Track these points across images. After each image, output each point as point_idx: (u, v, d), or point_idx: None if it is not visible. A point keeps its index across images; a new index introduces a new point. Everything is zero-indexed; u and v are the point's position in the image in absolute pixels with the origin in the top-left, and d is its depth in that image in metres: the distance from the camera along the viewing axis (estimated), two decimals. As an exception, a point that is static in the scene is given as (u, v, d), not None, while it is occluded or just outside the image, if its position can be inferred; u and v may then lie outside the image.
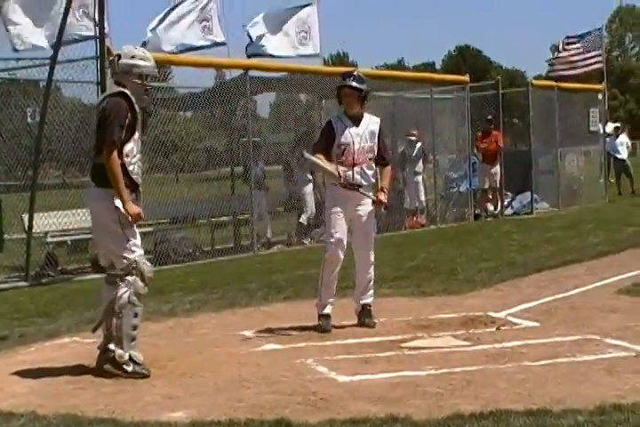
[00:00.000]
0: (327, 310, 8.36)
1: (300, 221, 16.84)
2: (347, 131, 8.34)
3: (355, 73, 8.67)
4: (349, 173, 8.28)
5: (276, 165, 18.44)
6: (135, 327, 6.88)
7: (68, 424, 5.45)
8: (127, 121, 6.82)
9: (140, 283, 6.81)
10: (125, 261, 6.78)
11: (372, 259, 8.47)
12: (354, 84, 8.38)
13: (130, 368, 6.74)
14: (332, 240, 8.31)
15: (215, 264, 14.16)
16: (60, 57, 13.03)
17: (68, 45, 13.44)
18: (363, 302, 8.45)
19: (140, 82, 6.99)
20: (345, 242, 8.34)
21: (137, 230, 6.95)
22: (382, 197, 8.33)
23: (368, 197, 8.32)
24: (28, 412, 5.76)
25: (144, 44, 16.02)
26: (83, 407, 5.87)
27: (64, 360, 7.38)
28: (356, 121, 8.40)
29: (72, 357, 7.49)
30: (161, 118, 15.70)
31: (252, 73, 15.45)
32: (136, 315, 6.85)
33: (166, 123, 16.24)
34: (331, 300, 8.39)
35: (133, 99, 6.90)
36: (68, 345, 8.12)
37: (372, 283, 8.53)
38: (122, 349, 6.75)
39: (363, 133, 8.36)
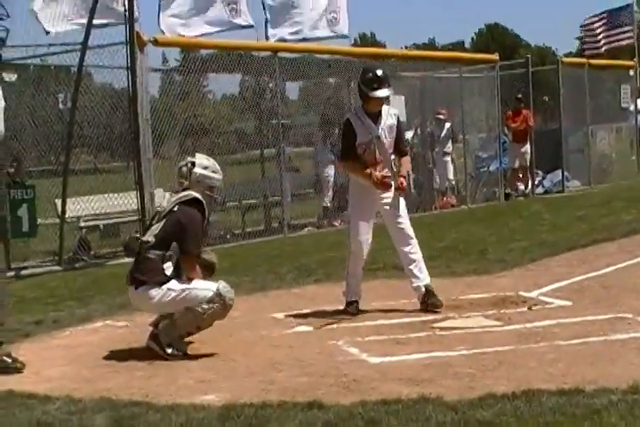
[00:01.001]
0: (355, 297, 8.32)
1: (324, 204, 16.87)
2: (366, 130, 8.14)
3: (383, 75, 8.17)
4: (371, 170, 8.18)
5: (305, 147, 18.46)
6: (189, 334, 6.97)
7: (103, 407, 5.50)
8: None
9: (221, 311, 6.86)
10: (212, 296, 6.86)
11: (413, 237, 8.27)
12: (385, 94, 8.16)
13: (170, 350, 6.82)
14: (355, 231, 8.26)
15: (246, 247, 14.21)
16: (90, 42, 13.09)
17: (97, 30, 13.48)
18: (421, 284, 8.23)
19: (209, 193, 7.16)
20: (370, 236, 8.25)
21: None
22: (403, 181, 8.18)
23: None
24: (63, 395, 5.82)
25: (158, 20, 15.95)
26: (117, 391, 5.93)
27: (97, 344, 7.47)
28: (375, 117, 8.19)
29: (105, 341, 7.58)
30: (191, 102, 15.75)
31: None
32: (198, 328, 6.92)
33: (196, 106, 16.26)
34: (357, 287, 8.34)
35: (205, 206, 7.08)
36: (100, 329, 8.21)
37: (422, 263, 8.29)
38: (168, 331, 6.83)
39: (382, 131, 8.17)
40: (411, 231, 8.29)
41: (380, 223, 8.48)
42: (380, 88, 8.06)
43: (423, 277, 8.28)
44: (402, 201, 8.34)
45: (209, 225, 14.30)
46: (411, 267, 8.29)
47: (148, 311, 7.01)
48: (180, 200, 7.09)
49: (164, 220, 7.07)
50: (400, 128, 8.39)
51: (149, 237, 7.01)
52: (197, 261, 7.04)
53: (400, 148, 8.36)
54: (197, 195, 7.05)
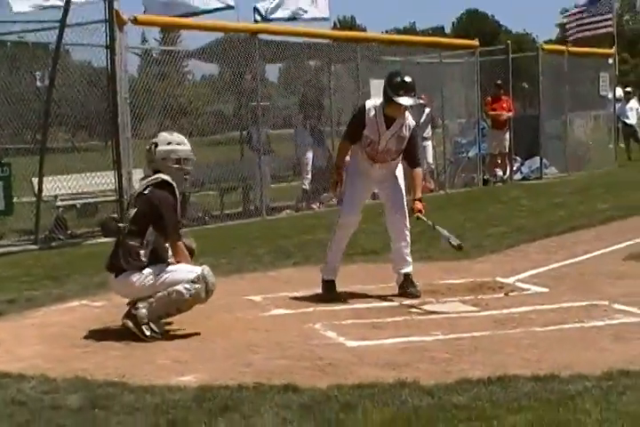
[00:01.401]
0: (332, 276, 8.30)
1: (303, 186, 16.84)
2: (377, 128, 8.04)
3: (411, 82, 7.95)
4: (370, 164, 8.18)
5: (285, 129, 18.40)
6: (168, 315, 6.93)
7: (78, 387, 5.47)
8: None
9: (203, 294, 6.84)
10: (194, 277, 6.82)
11: (407, 224, 8.24)
12: (409, 102, 7.96)
13: (148, 333, 6.77)
14: (346, 206, 8.26)
15: (224, 229, 14.17)
16: (68, 20, 12.96)
17: (77, 7, 13.36)
18: (404, 271, 8.24)
19: (178, 166, 7.06)
20: (360, 209, 8.25)
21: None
22: (419, 206, 8.08)
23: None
24: (37, 375, 5.78)
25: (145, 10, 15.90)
26: (92, 371, 5.89)
27: (72, 324, 7.42)
28: (390, 121, 8.04)
29: (80, 320, 7.53)
30: (170, 82, 15.67)
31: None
32: (179, 310, 6.89)
33: (175, 87, 16.17)
34: (337, 264, 8.35)
35: (175, 185, 7.00)
36: (76, 309, 8.15)
37: (409, 250, 8.28)
38: (146, 312, 6.79)
39: (391, 137, 8.06)
40: (406, 218, 8.25)
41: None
42: (405, 95, 7.89)
43: (407, 264, 8.28)
44: (402, 186, 8.34)
45: (188, 205, 14.37)
46: (399, 253, 8.28)
47: (131, 297, 6.94)
48: (149, 183, 7.07)
49: (137, 204, 7.05)
50: (414, 141, 8.23)
51: (125, 224, 7.00)
52: (182, 245, 6.98)
53: (412, 160, 8.26)
54: (166, 177, 7.00)
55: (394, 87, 7.90)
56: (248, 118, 16.22)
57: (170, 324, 7.05)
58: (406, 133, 8.11)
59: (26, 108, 13.96)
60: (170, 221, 6.91)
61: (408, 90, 7.91)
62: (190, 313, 7.03)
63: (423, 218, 8.14)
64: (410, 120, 8.17)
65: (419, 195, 8.21)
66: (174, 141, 7.17)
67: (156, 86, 14.63)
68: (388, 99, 7.94)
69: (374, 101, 8.18)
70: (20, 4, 13.96)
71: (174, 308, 6.87)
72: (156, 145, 7.14)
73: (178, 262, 6.92)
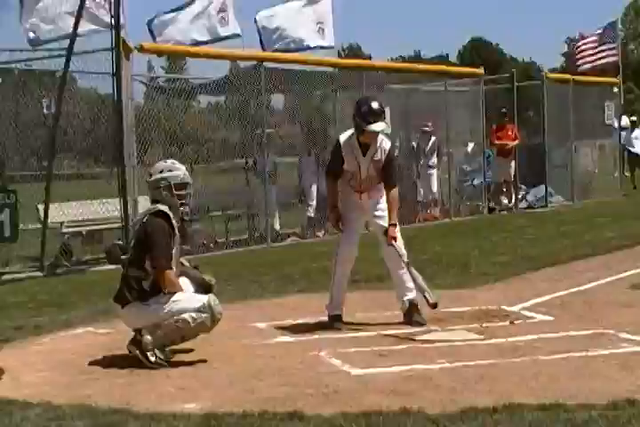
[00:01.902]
0: (338, 311, 8.25)
1: (308, 214, 16.87)
2: (354, 159, 8.08)
3: (378, 108, 8.01)
4: (358, 196, 8.20)
5: (289, 157, 18.46)
6: (173, 343, 6.93)
7: (83, 415, 5.46)
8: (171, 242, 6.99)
9: (209, 323, 6.85)
10: (200, 306, 6.84)
11: (404, 252, 8.17)
12: (380, 128, 7.98)
13: (153, 358, 6.77)
14: (343, 241, 8.24)
15: (229, 256, 14.18)
16: (75, 48, 13.06)
17: (83, 37, 13.47)
18: (408, 298, 8.20)
19: (169, 193, 7.07)
20: (356, 244, 8.24)
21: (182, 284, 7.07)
22: (393, 233, 8.06)
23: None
24: (42, 402, 5.78)
25: (151, 33, 15.99)
26: (97, 398, 5.89)
27: (78, 351, 7.42)
28: (365, 148, 8.07)
29: (86, 347, 7.53)
30: (176, 109, 15.74)
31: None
32: (183, 338, 6.90)
33: (181, 114, 16.25)
34: (341, 300, 8.28)
35: (171, 215, 7.01)
36: (82, 336, 8.16)
37: (408, 276, 8.13)
38: (152, 338, 6.79)
39: (370, 163, 8.08)
40: (401, 245, 8.22)
41: (363, 234, 8.49)
42: (376, 121, 7.93)
43: (410, 291, 8.22)
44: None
45: (193, 232, 14.38)
46: (399, 281, 8.25)
47: (139, 327, 6.94)
48: (146, 213, 7.12)
49: (135, 235, 7.10)
50: (390, 161, 8.19)
51: (127, 255, 7.03)
52: (173, 274, 6.96)
53: (387, 181, 8.19)
54: (163, 207, 7.02)
55: (363, 116, 7.93)
56: (253, 146, 16.26)
57: (175, 351, 7.04)
58: (382, 157, 8.11)
59: (32, 136, 14.06)
60: (159, 249, 6.88)
61: (377, 115, 7.95)
62: (195, 340, 7.04)
63: (395, 246, 8.10)
64: (384, 143, 8.19)
65: (394, 220, 8.11)
66: (166, 169, 7.17)
67: (162, 114, 14.70)
68: (360, 128, 7.98)
69: (347, 134, 8.20)
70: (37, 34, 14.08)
71: (179, 336, 6.87)
72: (150, 175, 7.19)
73: (172, 293, 6.90)
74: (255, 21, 17.46)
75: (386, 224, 8.16)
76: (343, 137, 8.23)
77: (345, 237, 8.26)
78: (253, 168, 16.18)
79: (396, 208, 8.20)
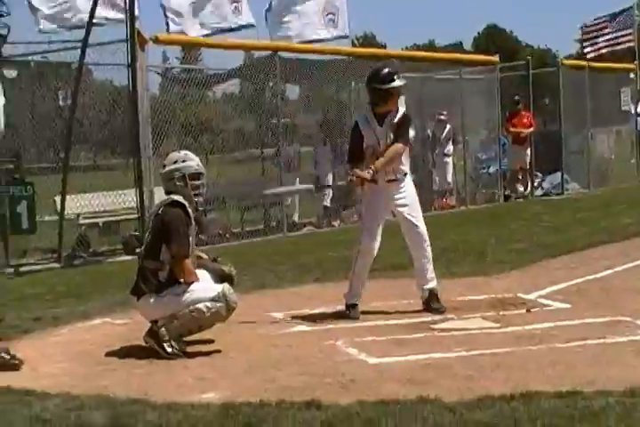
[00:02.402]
0: (356, 301, 8.26)
1: (324, 204, 16.88)
2: (372, 133, 8.14)
3: (394, 68, 8.41)
4: (382, 172, 8.15)
5: (305, 147, 18.46)
6: (190, 333, 6.95)
7: (101, 405, 5.49)
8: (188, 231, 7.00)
9: (224, 312, 6.87)
10: (215, 296, 6.87)
11: (427, 239, 8.24)
12: (404, 81, 8.30)
13: (170, 349, 6.80)
14: (365, 233, 8.23)
15: (245, 246, 14.20)
16: (90, 40, 13.09)
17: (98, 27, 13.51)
18: (428, 287, 8.26)
19: (183, 184, 7.08)
20: (379, 235, 8.22)
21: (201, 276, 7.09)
22: (366, 174, 8.01)
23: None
24: (61, 392, 5.81)
25: (167, 28, 16.02)
26: (115, 388, 5.92)
27: (96, 341, 7.47)
28: (382, 118, 8.18)
29: (104, 338, 7.57)
30: (191, 100, 15.75)
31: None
32: (200, 327, 6.93)
33: (195, 104, 16.26)
34: (360, 290, 8.29)
35: (187, 204, 7.02)
36: (99, 326, 8.20)
37: (431, 265, 8.28)
38: (168, 329, 6.82)
39: (386, 132, 8.14)
40: (425, 234, 8.25)
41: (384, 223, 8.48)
42: (398, 79, 8.17)
43: (430, 280, 8.29)
44: (416, 201, 8.35)
45: (208, 223, 14.42)
46: (421, 269, 8.30)
47: (155, 318, 6.96)
48: (162, 204, 7.15)
49: (151, 226, 7.13)
50: (403, 121, 8.23)
51: (142, 247, 7.06)
52: (190, 263, 6.98)
53: (396, 139, 8.16)
54: (177, 197, 7.04)
55: (385, 77, 8.14)
56: (269, 136, 16.26)
57: (191, 341, 7.07)
58: (396, 119, 8.19)
59: (49, 128, 14.09)
60: (177, 238, 6.90)
61: (397, 74, 8.23)
62: (212, 330, 7.06)
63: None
64: (401, 106, 8.37)
65: (377, 166, 8.04)
66: (180, 159, 7.19)
67: (177, 104, 14.72)
68: (384, 93, 8.09)
69: (359, 114, 8.41)
70: (47, 24, 14.14)
71: (196, 325, 6.89)
72: (164, 166, 7.22)
73: (188, 284, 6.93)
74: (266, 15, 17.49)
75: (410, 214, 8.20)
76: (358, 116, 8.44)
77: (367, 229, 8.24)
78: (276, 157, 16.09)
79: (387, 159, 8.10)
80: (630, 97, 23.87)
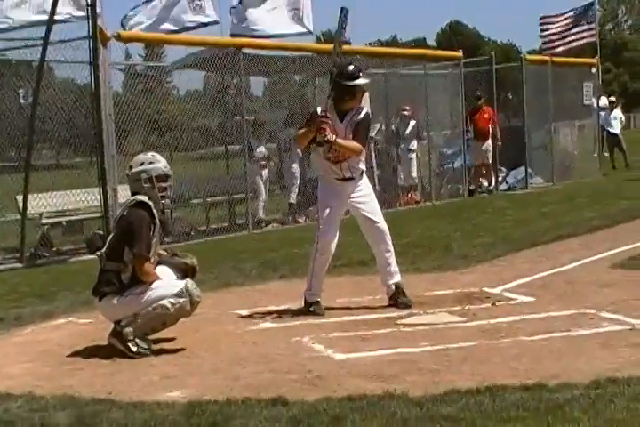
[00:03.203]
0: (318, 298, 8.23)
1: (289, 201, 16.87)
2: (332, 127, 8.04)
3: (358, 66, 8.39)
4: (337, 167, 8.16)
5: (269, 144, 18.42)
6: (154, 330, 6.92)
7: (65, 405, 5.45)
8: (151, 232, 6.96)
9: (188, 306, 6.82)
10: (178, 291, 6.82)
11: (387, 233, 8.24)
12: (367, 80, 8.37)
13: (134, 349, 6.75)
14: (323, 230, 8.17)
15: (210, 243, 14.15)
16: (51, 37, 12.97)
17: (59, 25, 13.38)
18: (393, 281, 8.25)
19: (150, 185, 7.04)
20: (336, 232, 8.19)
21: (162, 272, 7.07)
22: (331, 136, 7.93)
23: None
24: (25, 393, 5.77)
25: (122, 24, 15.95)
26: (79, 388, 5.88)
27: (60, 341, 7.41)
28: (343, 114, 8.15)
29: (68, 338, 7.52)
30: (154, 97, 15.67)
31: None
32: (164, 324, 6.89)
33: (159, 102, 16.18)
34: (320, 287, 8.25)
35: (152, 205, 6.99)
36: (63, 326, 8.14)
37: (394, 260, 8.27)
38: (132, 328, 6.77)
39: (346, 128, 8.10)
40: (385, 229, 8.26)
41: (345, 218, 8.48)
42: (363, 77, 8.22)
43: (395, 275, 8.29)
44: (373, 198, 8.35)
45: (172, 221, 14.36)
46: (384, 265, 8.29)
47: (119, 318, 6.91)
48: (126, 206, 7.12)
49: (115, 228, 7.11)
50: (361, 125, 8.16)
51: (104, 249, 7.01)
52: (150, 265, 6.96)
53: (354, 137, 8.12)
54: (142, 197, 7.01)
55: (351, 74, 8.12)
56: (233, 133, 16.21)
57: (157, 339, 7.03)
58: (357, 118, 8.16)
59: (10, 126, 13.95)
60: (139, 239, 6.87)
61: (358, 72, 8.23)
62: (177, 328, 7.03)
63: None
64: (365, 107, 8.43)
65: (338, 141, 7.98)
66: (147, 161, 7.16)
67: (141, 102, 14.63)
68: (347, 89, 8.06)
69: (321, 106, 8.21)
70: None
71: (159, 322, 6.85)
72: (130, 168, 7.18)
73: (149, 283, 6.88)
74: (230, 11, 17.45)
75: (367, 210, 8.19)
76: (319, 107, 8.25)
77: (325, 228, 8.18)
78: (249, 154, 16.02)
79: (346, 144, 8.04)
80: (592, 91, 24.04)
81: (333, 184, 8.22)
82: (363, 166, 8.36)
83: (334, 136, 7.97)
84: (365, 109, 8.33)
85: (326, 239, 8.18)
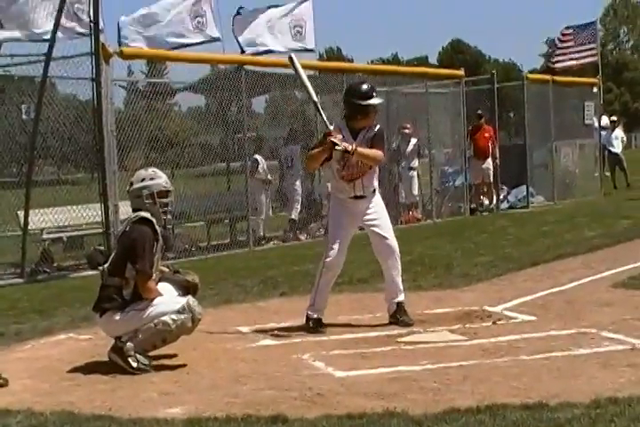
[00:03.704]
0: (320, 315, 8.22)
1: (291, 217, 16.88)
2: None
3: (371, 85, 8.34)
4: (351, 186, 8.15)
5: (271, 160, 18.44)
6: (155, 347, 6.90)
7: (65, 421, 5.44)
8: (153, 248, 6.97)
9: (189, 324, 6.82)
10: (180, 308, 6.83)
11: (396, 252, 8.22)
12: (381, 100, 8.34)
13: (135, 364, 6.73)
14: (332, 247, 8.15)
15: (211, 260, 14.15)
16: (54, 53, 13.01)
17: (62, 42, 13.42)
18: (397, 300, 8.23)
19: (152, 201, 7.05)
20: (345, 250, 8.19)
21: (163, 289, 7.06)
22: (348, 145, 7.91)
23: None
24: (24, 409, 5.75)
25: (119, 40, 15.97)
26: (79, 404, 5.86)
27: (60, 357, 7.39)
28: (356, 133, 8.14)
29: (68, 354, 7.50)
30: (156, 114, 15.70)
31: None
32: (164, 341, 6.87)
33: (161, 118, 16.21)
34: (324, 305, 8.25)
35: (155, 221, 7.00)
36: (63, 342, 8.12)
37: (400, 278, 8.27)
38: (132, 344, 6.76)
39: (360, 145, 8.03)
40: (395, 246, 8.24)
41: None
42: (376, 97, 8.19)
43: (399, 293, 8.27)
44: (385, 215, 8.32)
45: (174, 237, 14.35)
46: (391, 282, 8.28)
47: (119, 334, 6.90)
48: (129, 222, 7.12)
49: (117, 244, 7.12)
50: (377, 135, 8.19)
51: (107, 265, 7.01)
52: (152, 281, 6.95)
53: (372, 148, 8.13)
54: (145, 214, 7.02)
55: (365, 93, 8.12)
56: (235, 150, 16.24)
57: (157, 356, 7.02)
58: (372, 133, 8.16)
59: (11, 142, 13.97)
60: (142, 255, 6.87)
61: (372, 92, 8.19)
62: (177, 344, 7.01)
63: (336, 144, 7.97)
64: (378, 124, 8.32)
65: (359, 149, 7.94)
66: (147, 177, 7.16)
67: (143, 118, 14.66)
68: (360, 108, 8.07)
69: (334, 125, 8.21)
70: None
71: (160, 339, 6.84)
72: (131, 184, 7.18)
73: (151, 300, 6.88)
74: (232, 28, 17.48)
75: (379, 227, 8.18)
76: (331, 126, 8.19)
77: (333, 245, 8.16)
78: (239, 172, 16.03)
79: (368, 152, 8.03)
80: (594, 111, 24.08)
81: (345, 202, 8.22)
82: (376, 184, 8.35)
83: (353, 145, 7.96)
84: (378, 126, 8.31)
85: (335, 257, 8.17)
